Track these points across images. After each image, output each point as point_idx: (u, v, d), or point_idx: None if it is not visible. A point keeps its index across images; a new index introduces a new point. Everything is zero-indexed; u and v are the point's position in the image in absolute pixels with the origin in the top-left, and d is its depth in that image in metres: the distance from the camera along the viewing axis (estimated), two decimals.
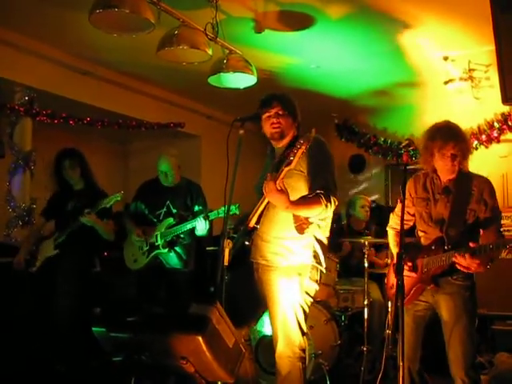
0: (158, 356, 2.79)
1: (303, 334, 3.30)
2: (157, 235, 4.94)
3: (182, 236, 4.96)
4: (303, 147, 2.99)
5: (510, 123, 7.17)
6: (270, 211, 3.30)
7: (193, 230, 4.84)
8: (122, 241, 5.22)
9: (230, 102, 6.70)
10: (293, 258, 3.28)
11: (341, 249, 5.88)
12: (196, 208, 5.03)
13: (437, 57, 6.18)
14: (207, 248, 6.32)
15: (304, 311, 3.30)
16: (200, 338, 2.53)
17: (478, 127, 7.54)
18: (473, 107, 7.24)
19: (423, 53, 6.10)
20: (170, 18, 4.53)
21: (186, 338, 2.60)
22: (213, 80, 5.16)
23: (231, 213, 4.18)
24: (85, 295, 4.94)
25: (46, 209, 5.19)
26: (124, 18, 4.18)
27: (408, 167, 3.27)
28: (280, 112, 3.39)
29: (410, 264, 3.52)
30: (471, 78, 6.57)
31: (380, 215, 6.18)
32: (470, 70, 6.44)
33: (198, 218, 4.74)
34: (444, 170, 3.52)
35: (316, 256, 3.32)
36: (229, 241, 3.08)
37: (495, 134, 7.39)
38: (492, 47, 4.13)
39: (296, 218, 3.22)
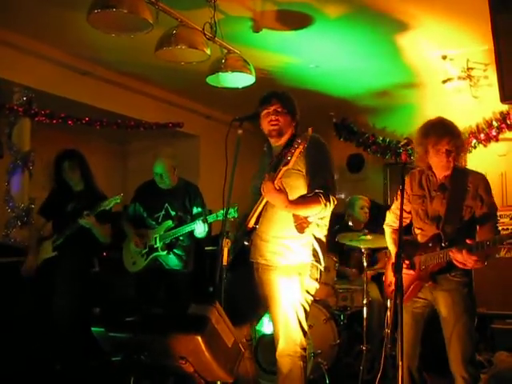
0: (157, 356, 2.79)
1: (304, 332, 3.31)
2: (155, 238, 4.94)
3: (181, 238, 4.96)
4: (301, 147, 2.99)
5: (508, 122, 7.17)
6: (268, 211, 3.31)
7: (192, 231, 4.83)
8: (121, 241, 5.22)
9: (229, 102, 6.70)
10: (292, 256, 3.28)
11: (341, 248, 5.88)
12: (194, 209, 5.02)
13: (435, 56, 6.18)
14: (206, 248, 6.31)
15: (305, 310, 3.31)
16: (199, 338, 2.53)
17: (477, 126, 7.54)
18: (471, 106, 7.23)
19: (421, 52, 6.10)
20: (168, 18, 4.53)
21: (185, 337, 2.60)
22: (211, 80, 5.15)
23: (230, 216, 4.17)
24: (84, 295, 4.94)
25: (45, 207, 5.17)
26: (122, 18, 4.18)
27: (406, 166, 3.29)
28: (279, 109, 3.39)
29: (407, 262, 3.52)
30: (469, 77, 6.57)
31: (378, 214, 6.18)
32: (468, 69, 6.44)
33: (197, 221, 4.74)
34: (439, 167, 3.52)
35: (315, 255, 3.32)
36: (228, 240, 3.09)
37: (494, 133, 7.40)
38: (490, 46, 4.13)
39: (296, 217, 3.22)
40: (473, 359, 3.43)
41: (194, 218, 4.89)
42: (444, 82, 6.70)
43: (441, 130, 3.45)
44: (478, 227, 3.46)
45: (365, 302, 5.01)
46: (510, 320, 5.44)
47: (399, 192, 3.73)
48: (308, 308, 3.34)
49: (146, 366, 2.90)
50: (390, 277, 3.81)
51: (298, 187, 3.29)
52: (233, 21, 5.24)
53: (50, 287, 4.91)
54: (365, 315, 4.98)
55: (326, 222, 3.42)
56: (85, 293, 4.95)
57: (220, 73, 5.04)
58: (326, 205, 3.17)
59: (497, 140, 7.42)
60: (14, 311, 5.23)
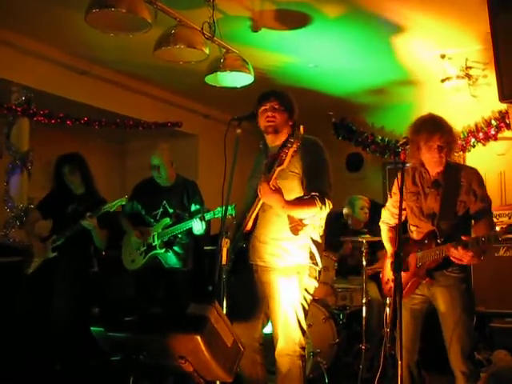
0: (157, 356, 2.78)
1: (303, 332, 3.31)
2: (154, 236, 4.93)
3: (179, 236, 4.95)
4: (294, 146, 3.01)
5: (507, 121, 7.16)
6: (265, 213, 3.31)
7: (190, 229, 4.82)
8: (119, 240, 5.22)
9: (227, 102, 6.70)
10: (290, 258, 3.29)
11: (341, 247, 5.88)
12: (193, 207, 5.01)
13: (434, 55, 6.18)
14: (205, 247, 6.31)
15: (304, 309, 3.31)
16: (198, 338, 2.53)
17: (476, 125, 7.54)
18: (470, 105, 7.24)
19: (420, 51, 6.10)
20: (166, 18, 4.53)
21: (185, 337, 2.60)
22: (210, 79, 5.15)
23: (228, 213, 4.18)
24: (83, 295, 4.94)
25: (43, 204, 5.18)
26: (121, 18, 4.18)
27: (406, 165, 3.29)
28: (276, 106, 3.39)
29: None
30: (468, 76, 6.57)
31: (378, 214, 6.18)
32: (467, 68, 6.44)
33: (195, 219, 4.73)
34: (432, 163, 3.53)
35: (312, 257, 3.32)
36: (227, 240, 3.09)
37: (492, 132, 7.39)
38: (489, 45, 4.14)
39: (291, 219, 3.23)
40: (472, 354, 3.44)
41: (191, 216, 4.89)
42: (443, 81, 6.70)
43: (432, 127, 3.46)
44: (473, 222, 3.47)
45: (364, 301, 5.02)
46: (508, 319, 5.43)
47: (393, 189, 3.77)
48: (307, 307, 3.35)
49: (145, 365, 2.90)
50: (387, 275, 3.83)
51: (294, 189, 3.30)
52: (231, 20, 5.24)
53: (48, 287, 4.91)
54: (364, 314, 4.99)
55: (322, 223, 3.42)
56: (84, 293, 4.95)
57: (219, 72, 5.05)
58: (321, 208, 3.18)
59: (495, 139, 7.42)
60: (13, 311, 5.22)
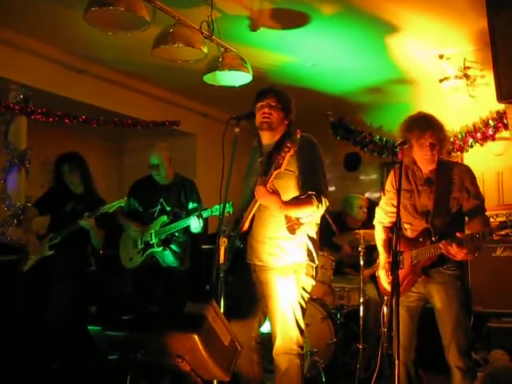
0: (154, 354, 2.79)
1: (301, 331, 3.32)
2: (151, 233, 4.93)
3: (176, 234, 4.95)
4: (292, 151, 3.00)
5: (505, 121, 7.16)
6: (262, 212, 3.32)
7: (188, 227, 4.83)
8: (117, 239, 5.22)
9: (226, 101, 6.70)
10: (287, 257, 3.30)
11: (339, 249, 5.88)
12: (190, 205, 5.02)
13: (432, 55, 6.19)
14: (203, 246, 6.31)
15: (302, 307, 3.32)
16: (196, 337, 2.53)
17: (474, 125, 7.55)
18: (468, 105, 7.24)
19: (419, 51, 6.10)
20: (165, 16, 4.52)
21: (182, 336, 2.60)
22: (208, 78, 5.15)
23: (225, 211, 4.18)
24: (80, 294, 4.94)
25: (41, 201, 5.18)
26: (119, 16, 4.18)
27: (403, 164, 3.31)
28: (273, 103, 3.39)
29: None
30: (466, 76, 6.58)
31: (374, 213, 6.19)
32: (465, 68, 6.45)
33: (192, 217, 4.73)
34: (424, 161, 3.54)
35: (309, 254, 3.34)
36: (224, 239, 3.09)
37: (490, 132, 7.40)
38: (487, 45, 4.14)
39: (288, 219, 3.24)
40: (468, 350, 3.47)
41: (189, 214, 4.89)
42: (441, 81, 6.70)
43: (423, 124, 3.48)
44: (467, 219, 3.49)
45: (361, 300, 5.02)
46: (505, 318, 5.44)
47: (386, 187, 3.78)
48: (305, 305, 3.36)
49: (142, 364, 2.90)
50: (379, 273, 3.85)
51: (290, 188, 3.31)
52: (230, 19, 5.24)
53: (45, 286, 4.91)
54: (361, 314, 4.99)
55: (318, 220, 3.44)
56: (81, 291, 4.96)
57: (217, 71, 5.04)
58: (318, 206, 3.19)
59: (493, 139, 7.43)
60: (9, 310, 5.22)
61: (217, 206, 4.54)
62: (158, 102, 7.60)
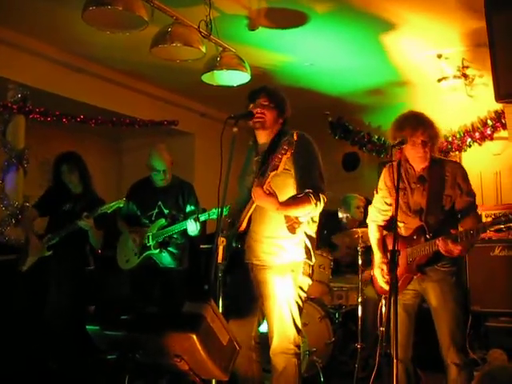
0: (152, 354, 2.78)
1: (298, 330, 3.32)
2: (148, 236, 4.92)
3: (174, 236, 4.95)
4: (288, 153, 2.99)
5: (503, 121, 7.17)
6: (260, 212, 3.31)
7: (186, 229, 4.82)
8: (115, 240, 5.21)
9: (224, 100, 6.69)
10: (286, 256, 3.30)
11: (336, 249, 5.88)
12: (188, 208, 5.01)
13: (430, 55, 6.19)
14: (201, 246, 6.31)
15: (299, 306, 3.32)
16: (194, 336, 2.52)
17: (472, 125, 7.57)
18: (466, 105, 7.26)
19: (417, 51, 6.11)
20: (163, 16, 4.52)
21: (180, 336, 2.59)
22: (206, 78, 5.15)
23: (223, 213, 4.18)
24: (78, 294, 4.94)
25: (40, 203, 5.18)
26: (117, 16, 4.18)
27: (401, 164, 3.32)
28: (265, 103, 3.40)
29: (387, 277, 3.61)
30: (465, 76, 6.58)
31: None
32: (463, 68, 6.46)
33: (189, 220, 4.72)
34: (416, 159, 3.56)
35: (307, 252, 3.35)
36: (223, 239, 3.09)
37: (488, 132, 7.41)
38: (486, 45, 4.14)
39: (287, 218, 3.24)
40: (465, 347, 3.49)
41: (186, 217, 4.88)
42: (439, 80, 6.71)
43: (414, 122, 3.49)
44: (460, 216, 3.50)
45: (359, 300, 5.02)
46: (503, 318, 5.45)
47: (379, 185, 3.79)
48: (301, 304, 3.36)
49: (140, 364, 2.90)
50: (373, 272, 3.86)
51: (287, 187, 3.31)
52: (228, 19, 5.24)
53: (44, 286, 4.91)
54: (359, 313, 4.99)
55: (317, 218, 3.44)
56: (79, 291, 4.95)
57: (215, 71, 5.04)
58: (316, 204, 3.19)
59: (492, 139, 7.44)
60: (8, 309, 5.21)
61: (214, 210, 4.56)
62: (156, 102, 7.60)
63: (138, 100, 7.37)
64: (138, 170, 5.33)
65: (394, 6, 5.05)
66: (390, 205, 3.76)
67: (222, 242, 3.07)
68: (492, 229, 3.27)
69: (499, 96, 4.09)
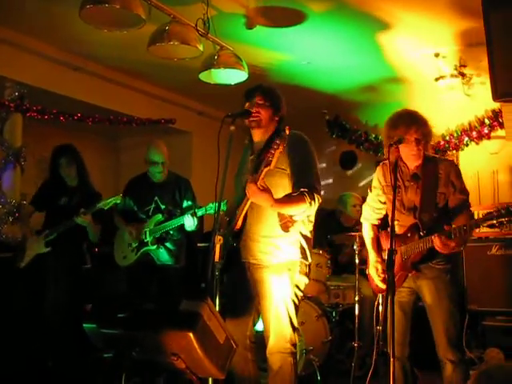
0: (149, 352, 2.78)
1: (294, 329, 3.32)
2: (146, 232, 4.93)
3: (171, 232, 4.95)
4: (280, 148, 3.00)
5: (500, 120, 7.18)
6: (255, 211, 3.32)
7: (182, 225, 4.83)
8: (112, 237, 5.21)
9: (221, 99, 6.69)
10: (282, 255, 3.30)
11: (341, 251, 5.91)
12: (185, 203, 5.02)
13: (427, 53, 6.19)
14: (198, 244, 6.31)
15: (295, 306, 3.33)
16: (191, 335, 2.52)
17: (469, 124, 7.57)
18: (464, 104, 7.26)
19: (413, 49, 6.11)
20: (160, 14, 4.52)
21: (177, 334, 2.59)
22: (204, 76, 5.15)
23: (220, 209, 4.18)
24: (76, 291, 4.93)
25: (36, 199, 5.18)
26: (115, 14, 4.18)
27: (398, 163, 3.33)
28: (260, 102, 3.40)
29: (382, 276, 3.64)
30: (462, 75, 6.59)
31: None
32: (460, 67, 6.46)
33: (186, 215, 4.73)
34: (410, 157, 3.56)
35: (303, 252, 3.34)
36: (220, 237, 3.09)
37: (486, 131, 7.42)
38: (483, 44, 4.14)
39: (281, 217, 3.24)
40: (459, 344, 3.49)
41: (183, 212, 4.89)
42: (437, 79, 6.71)
43: (408, 120, 3.51)
44: (452, 214, 3.51)
45: (356, 299, 5.02)
46: (500, 317, 5.45)
47: (373, 183, 3.80)
48: (298, 303, 3.36)
49: (137, 362, 2.89)
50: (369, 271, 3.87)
51: (283, 186, 3.31)
52: (226, 17, 5.24)
53: (42, 283, 4.90)
54: (356, 312, 4.99)
55: (312, 218, 3.44)
56: (76, 289, 4.95)
57: (213, 69, 5.04)
58: (310, 203, 3.19)
59: (489, 138, 7.45)
60: (5, 307, 5.21)
61: (211, 205, 4.56)
62: (153, 100, 7.59)
63: (136, 98, 7.36)
64: (136, 168, 5.33)
65: (388, 4, 5.06)
66: (384, 203, 3.78)
67: (219, 241, 3.07)
68: (485, 224, 3.30)
69: (496, 95, 4.09)
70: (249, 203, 3.21)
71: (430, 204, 3.51)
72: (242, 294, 3.42)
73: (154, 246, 4.90)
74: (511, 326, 5.33)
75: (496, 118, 7.28)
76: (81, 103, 6.64)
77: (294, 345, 3.31)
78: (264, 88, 3.45)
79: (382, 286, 3.68)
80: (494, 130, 7.37)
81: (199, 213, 4.71)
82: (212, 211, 4.46)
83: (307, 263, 3.38)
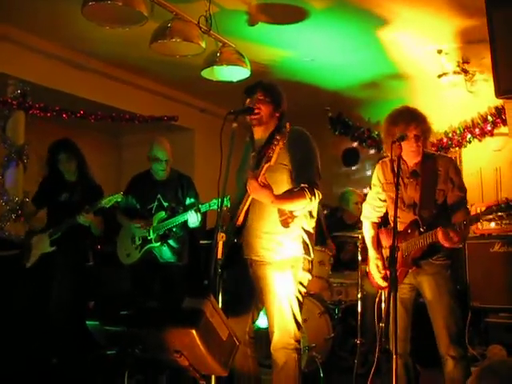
0: (152, 349, 2.79)
1: (298, 326, 3.32)
2: (149, 229, 4.93)
3: (174, 229, 4.95)
4: (280, 143, 3.00)
5: (503, 117, 7.16)
6: (257, 207, 3.32)
7: (185, 222, 4.82)
8: (115, 234, 5.21)
9: (224, 96, 6.68)
10: (285, 251, 3.30)
11: (342, 249, 5.90)
12: (187, 200, 5.02)
13: (430, 50, 6.18)
14: (201, 242, 6.31)
15: (299, 302, 3.33)
16: (194, 332, 2.53)
17: (472, 121, 7.55)
18: (466, 101, 7.24)
19: (416, 46, 6.10)
20: (163, 11, 4.52)
21: (180, 331, 2.60)
22: (206, 73, 5.15)
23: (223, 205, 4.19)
24: (79, 289, 4.94)
25: (37, 197, 5.18)
26: (117, 11, 4.18)
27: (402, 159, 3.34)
28: (260, 97, 3.39)
29: (383, 272, 3.66)
30: (465, 72, 6.57)
31: None
32: (463, 63, 6.45)
33: (190, 212, 4.73)
34: (410, 153, 3.57)
35: (305, 247, 3.35)
36: (222, 234, 3.09)
37: (489, 128, 7.40)
38: (486, 40, 4.14)
39: (281, 212, 3.25)
40: (460, 339, 3.49)
41: (186, 209, 4.89)
42: (439, 76, 6.70)
43: (407, 117, 3.53)
44: (450, 211, 3.52)
45: (359, 296, 5.02)
46: (503, 314, 5.46)
47: (372, 181, 3.81)
48: (301, 299, 3.37)
49: (140, 359, 2.90)
50: (369, 268, 3.89)
51: (283, 181, 3.31)
52: (228, 14, 5.23)
53: (46, 281, 4.90)
54: (359, 309, 4.99)
55: (314, 213, 3.45)
56: (80, 286, 4.95)
57: (215, 66, 5.04)
58: (311, 199, 3.20)
59: (492, 135, 7.43)
60: (10, 305, 5.21)
61: (214, 201, 4.55)
62: (155, 97, 7.59)
63: (138, 95, 7.36)
64: (138, 166, 5.33)
65: (390, 1, 5.05)
66: (384, 201, 3.78)
67: (221, 238, 3.07)
68: (485, 218, 3.34)
69: (499, 92, 4.10)
70: (250, 199, 3.22)
71: (430, 200, 3.53)
72: (243, 290, 3.42)
73: (158, 243, 4.90)
74: None
75: (499, 115, 7.26)
76: (83, 100, 6.65)
77: (299, 341, 3.32)
78: (265, 84, 3.45)
79: (383, 283, 3.69)
80: (497, 126, 7.35)
81: (203, 208, 4.71)
82: (215, 207, 4.46)
83: (310, 259, 3.38)
